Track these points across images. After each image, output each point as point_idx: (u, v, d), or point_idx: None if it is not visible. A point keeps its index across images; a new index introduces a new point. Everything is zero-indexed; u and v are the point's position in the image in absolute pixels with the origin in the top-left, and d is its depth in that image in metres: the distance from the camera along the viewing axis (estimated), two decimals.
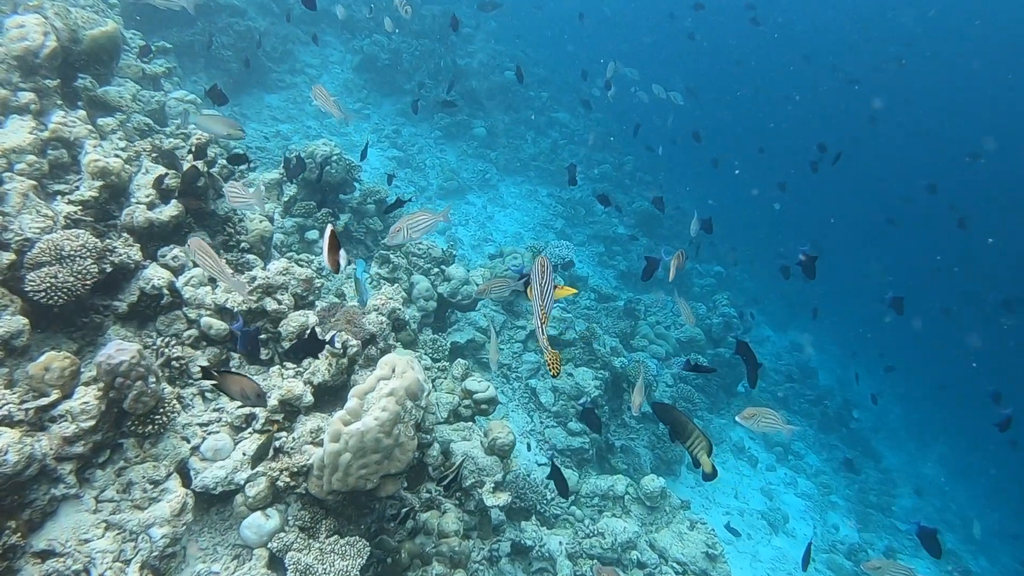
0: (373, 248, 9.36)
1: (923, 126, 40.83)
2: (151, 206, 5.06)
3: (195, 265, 4.91)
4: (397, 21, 17.43)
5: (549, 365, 2.90)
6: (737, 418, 4.81)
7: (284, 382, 4.60)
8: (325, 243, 3.61)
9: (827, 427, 17.05)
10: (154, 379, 3.97)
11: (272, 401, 4.45)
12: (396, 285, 6.35)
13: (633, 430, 9.97)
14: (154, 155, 5.70)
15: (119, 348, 3.80)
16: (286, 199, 7.76)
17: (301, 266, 6.76)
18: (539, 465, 8.27)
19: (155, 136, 6.38)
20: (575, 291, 3.53)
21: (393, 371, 4.35)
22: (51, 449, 3.61)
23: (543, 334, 2.81)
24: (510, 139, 19.09)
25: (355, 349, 4.78)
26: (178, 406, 4.29)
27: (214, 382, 3.86)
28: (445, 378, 6.55)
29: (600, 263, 17.63)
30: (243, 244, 5.77)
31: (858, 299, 27.48)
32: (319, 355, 4.68)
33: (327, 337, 4.69)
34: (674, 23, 25.19)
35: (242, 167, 6.82)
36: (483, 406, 6.18)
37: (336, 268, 3.67)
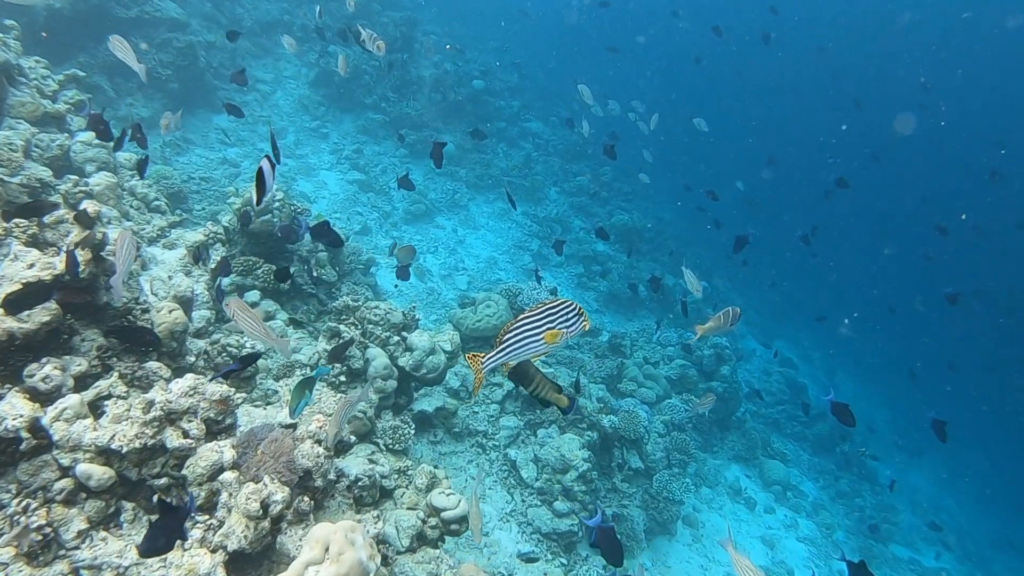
0: (327, 301, 8.19)
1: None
2: None
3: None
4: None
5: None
6: None
7: (186, 557, 3.46)
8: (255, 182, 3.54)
9: (820, 450, 16.21)
10: None
11: None
12: (338, 397, 5.20)
13: (626, 495, 8.91)
14: (31, 232, 4.52)
15: None
16: (214, 264, 6.57)
17: (233, 346, 5.62)
18: (521, 557, 7.17)
19: (40, 199, 5.18)
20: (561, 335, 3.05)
21: (327, 551, 3.22)
22: None
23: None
24: (480, 153, 17.93)
25: (280, 506, 3.63)
26: None
27: None
28: (407, 488, 5.42)
29: (579, 285, 16.58)
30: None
31: (839, 304, 26.93)
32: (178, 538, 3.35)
33: (186, 500, 3.55)
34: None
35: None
36: (453, 526, 5.07)
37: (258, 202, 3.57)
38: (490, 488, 7.71)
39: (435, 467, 5.93)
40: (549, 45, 35.60)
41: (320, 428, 4.18)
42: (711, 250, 24.14)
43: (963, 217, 26.69)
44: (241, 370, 5.27)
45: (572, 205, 18.77)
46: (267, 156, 3.90)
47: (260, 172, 3.77)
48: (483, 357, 3.10)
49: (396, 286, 12.40)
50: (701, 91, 36.79)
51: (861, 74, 44.62)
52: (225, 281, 7.27)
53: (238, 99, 15.02)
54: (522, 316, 3.01)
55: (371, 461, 5.35)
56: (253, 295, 7.17)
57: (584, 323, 3.05)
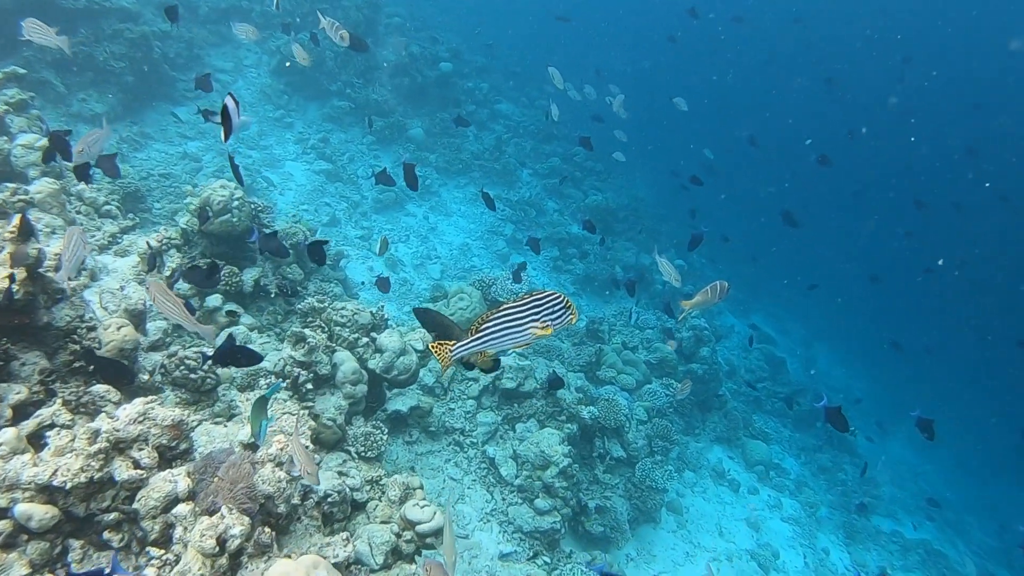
0: (294, 301, 7.90)
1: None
2: None
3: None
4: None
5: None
6: None
7: None
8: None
9: (801, 426, 16.23)
10: None
11: None
12: (303, 413, 4.91)
13: (608, 486, 8.76)
14: None
15: None
16: (169, 272, 6.24)
17: (192, 358, 5.33)
18: (503, 559, 6.99)
19: None
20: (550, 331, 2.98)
21: None
22: None
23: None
24: (450, 137, 17.56)
25: (238, 540, 3.39)
26: None
27: None
28: (380, 500, 5.19)
29: (555, 268, 16.38)
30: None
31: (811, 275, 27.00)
32: None
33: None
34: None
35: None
36: (429, 539, 4.86)
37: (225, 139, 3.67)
38: (469, 488, 7.51)
39: (410, 473, 5.72)
40: (520, 25, 35.18)
41: (281, 450, 3.93)
42: (688, 226, 24.00)
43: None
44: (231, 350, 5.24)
45: (545, 187, 18.50)
46: (230, 93, 3.98)
47: (225, 108, 3.84)
48: (452, 345, 3.03)
49: (363, 284, 12.12)
50: (679, 69, 36.73)
51: (840, 50, 44.58)
52: (185, 286, 6.97)
53: (194, 94, 14.54)
54: (505, 305, 2.92)
55: (341, 474, 5.12)
56: (214, 299, 6.87)
57: (571, 317, 2.95)
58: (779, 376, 17.46)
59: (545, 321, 2.91)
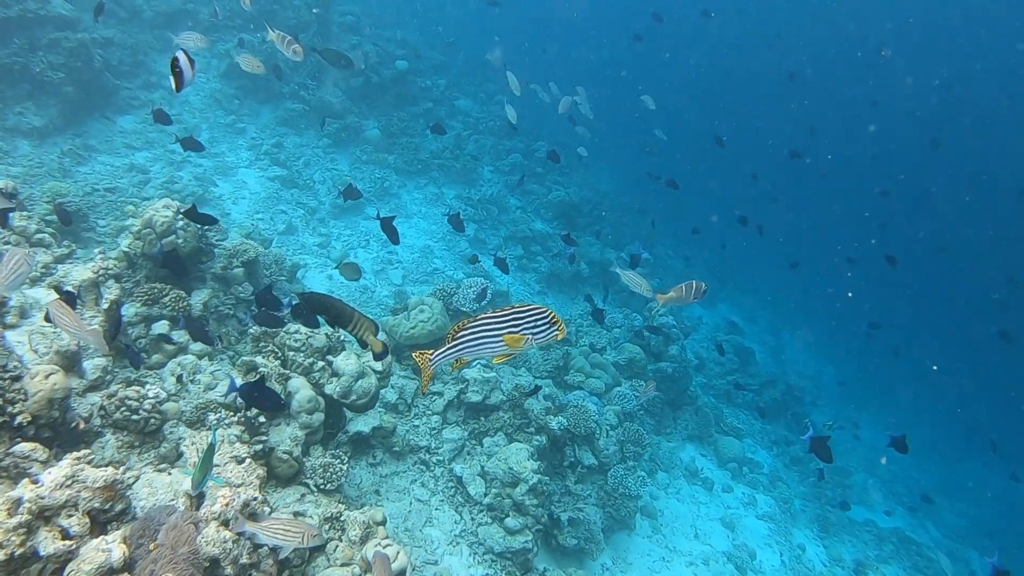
0: (247, 321, 7.58)
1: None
2: None
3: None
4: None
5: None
6: None
7: None
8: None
9: (773, 417, 16.25)
10: None
11: None
12: (248, 462, 4.59)
13: (580, 497, 8.57)
14: None
15: None
16: (107, 305, 5.88)
17: (133, 398, 5.01)
18: None
19: None
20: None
21: None
22: None
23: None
24: (408, 137, 17.21)
25: None
26: None
27: None
28: (340, 540, 4.93)
29: (519, 267, 16.13)
30: (20, 418, 3.98)
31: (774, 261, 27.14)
32: None
33: None
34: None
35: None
36: None
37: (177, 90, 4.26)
38: (437, 509, 7.26)
39: (373, 507, 5.46)
40: (478, 17, 34.81)
41: (225, 507, 3.66)
42: (649, 216, 23.97)
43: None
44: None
45: (507, 184, 18.24)
46: (183, 50, 4.28)
47: (175, 61, 4.14)
48: (431, 353, 3.08)
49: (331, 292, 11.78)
50: (645, 62, 36.80)
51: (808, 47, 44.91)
52: (130, 312, 6.62)
53: (143, 96, 14.03)
54: (485, 315, 2.96)
55: (297, 514, 4.85)
56: (161, 326, 6.53)
57: (557, 333, 2.98)
58: (749, 368, 17.47)
59: (525, 334, 2.91)
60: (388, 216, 7.91)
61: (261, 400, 4.75)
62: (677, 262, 23.09)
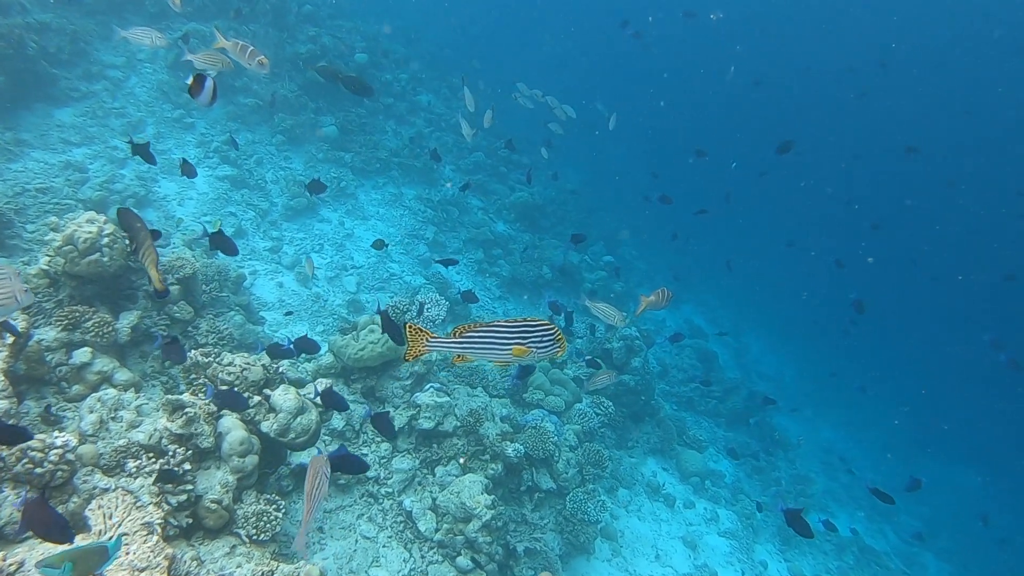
0: (183, 343, 7.04)
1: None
2: None
3: None
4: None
5: None
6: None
7: None
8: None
9: (735, 424, 16.11)
10: None
11: None
12: (155, 538, 4.08)
13: (538, 527, 8.19)
14: None
15: None
16: (20, 333, 5.32)
17: (36, 448, 4.48)
18: None
19: None
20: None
21: None
22: None
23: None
24: (366, 135, 16.62)
25: None
26: None
27: None
28: None
29: (479, 271, 15.72)
30: None
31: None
32: None
33: None
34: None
35: None
36: None
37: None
38: (384, 546, 6.81)
39: (306, 562, 5.02)
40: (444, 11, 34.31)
41: None
42: (613, 214, 23.78)
43: None
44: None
45: (469, 183, 17.77)
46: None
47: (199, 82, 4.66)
48: (432, 337, 3.12)
49: (286, 307, 11.26)
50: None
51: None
52: (50, 336, 6.08)
53: (83, 88, 13.25)
54: (498, 322, 3.02)
55: None
56: (83, 354, 5.99)
57: (558, 350, 3.06)
58: (712, 372, 17.29)
59: (531, 346, 3.00)
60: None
61: (351, 466, 5.11)
62: (641, 262, 22.93)
